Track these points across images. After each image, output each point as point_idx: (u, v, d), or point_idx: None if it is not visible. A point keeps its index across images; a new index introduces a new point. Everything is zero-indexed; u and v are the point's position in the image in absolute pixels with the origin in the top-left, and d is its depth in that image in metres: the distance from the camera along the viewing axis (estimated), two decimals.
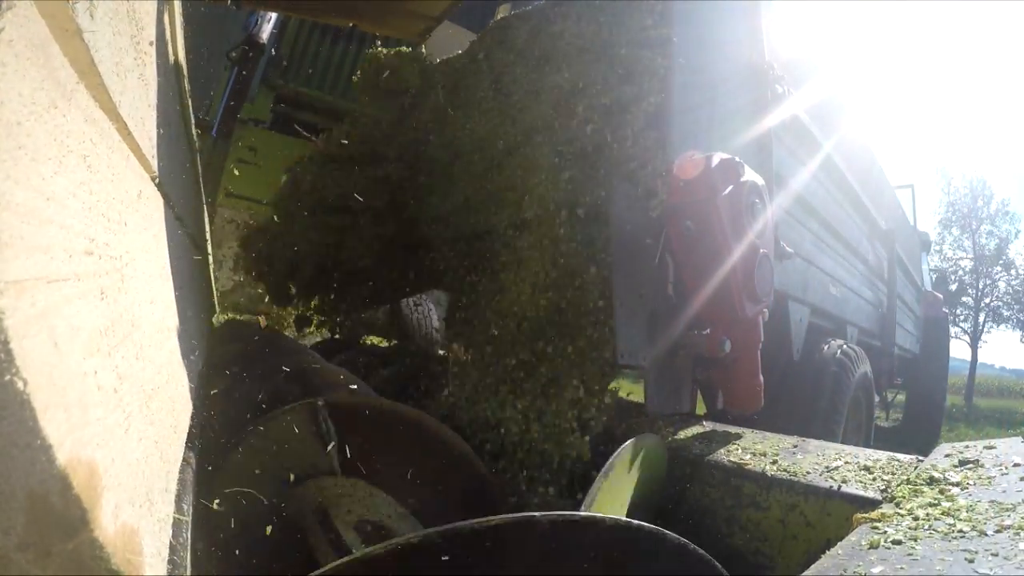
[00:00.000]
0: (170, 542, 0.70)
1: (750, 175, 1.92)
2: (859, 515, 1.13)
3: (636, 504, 1.50)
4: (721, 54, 2.40)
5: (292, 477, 1.43)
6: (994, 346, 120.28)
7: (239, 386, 1.86)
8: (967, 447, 1.42)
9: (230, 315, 3.84)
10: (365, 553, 0.76)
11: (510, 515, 0.80)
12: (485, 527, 0.78)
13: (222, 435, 1.44)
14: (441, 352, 3.54)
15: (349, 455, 1.46)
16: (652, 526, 0.88)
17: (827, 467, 1.54)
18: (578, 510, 1.26)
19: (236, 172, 4.37)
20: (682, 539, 0.90)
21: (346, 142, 2.79)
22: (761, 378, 2.03)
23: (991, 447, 1.38)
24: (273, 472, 1.42)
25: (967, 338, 23.09)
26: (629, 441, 1.52)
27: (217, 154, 4.40)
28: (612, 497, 1.39)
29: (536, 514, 0.80)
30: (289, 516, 1.38)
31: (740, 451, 1.72)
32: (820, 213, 3.41)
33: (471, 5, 4.06)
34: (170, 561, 0.68)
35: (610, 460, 1.42)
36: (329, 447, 1.43)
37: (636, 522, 0.88)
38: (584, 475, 1.87)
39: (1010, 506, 1.05)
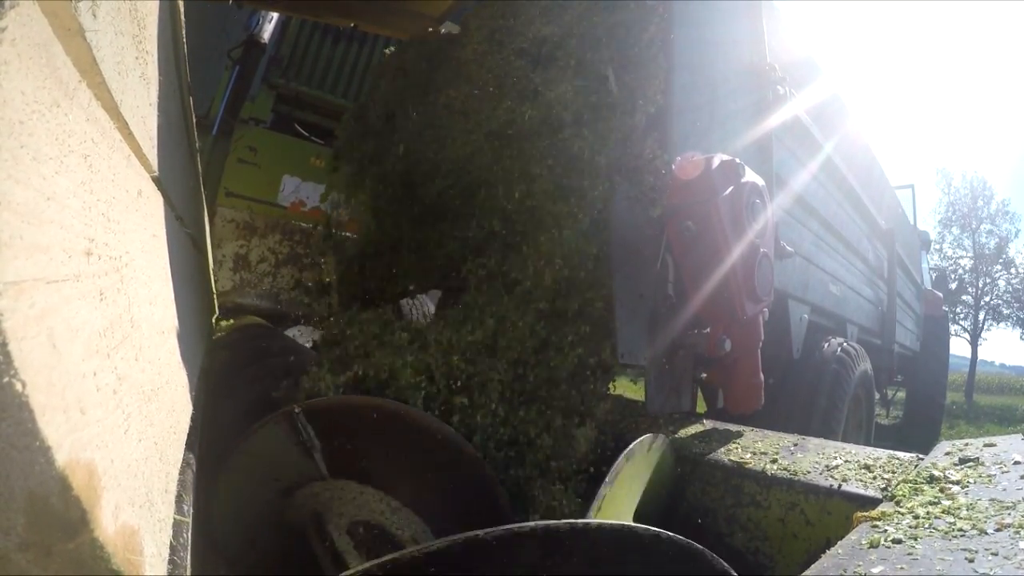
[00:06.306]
0: (170, 542, 0.70)
1: (750, 176, 1.92)
2: (859, 514, 1.13)
3: (644, 503, 1.49)
4: (722, 55, 2.39)
5: (283, 488, 1.39)
6: (994, 343, 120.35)
7: (239, 387, 1.85)
8: (967, 445, 1.42)
9: (230, 320, 3.83)
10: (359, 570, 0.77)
11: (503, 528, 0.80)
12: (484, 539, 0.78)
13: (221, 437, 1.44)
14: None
15: (335, 457, 1.41)
16: (648, 528, 0.88)
17: (827, 465, 1.54)
18: (586, 508, 1.25)
19: (235, 172, 4.36)
20: (680, 538, 0.90)
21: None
22: (761, 377, 2.03)
23: (991, 445, 1.38)
24: (264, 486, 1.40)
25: (967, 336, 23.10)
26: (633, 443, 1.51)
27: (217, 153, 4.39)
28: (618, 500, 1.38)
29: (532, 524, 0.81)
30: (289, 527, 1.36)
31: (740, 450, 1.72)
32: (820, 213, 3.41)
33: (473, 6, 4.05)
34: (170, 561, 0.68)
35: (616, 463, 1.41)
36: (314, 453, 1.39)
37: (632, 525, 0.88)
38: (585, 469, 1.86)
39: (1010, 504, 1.05)
